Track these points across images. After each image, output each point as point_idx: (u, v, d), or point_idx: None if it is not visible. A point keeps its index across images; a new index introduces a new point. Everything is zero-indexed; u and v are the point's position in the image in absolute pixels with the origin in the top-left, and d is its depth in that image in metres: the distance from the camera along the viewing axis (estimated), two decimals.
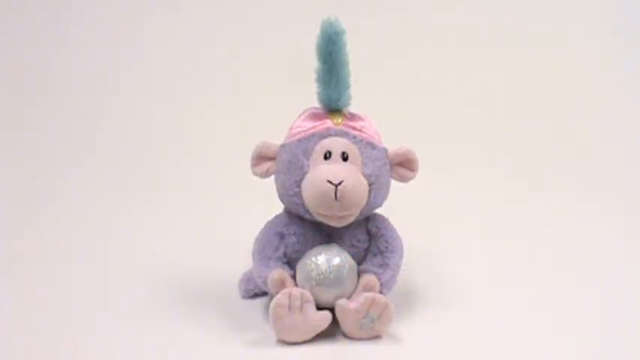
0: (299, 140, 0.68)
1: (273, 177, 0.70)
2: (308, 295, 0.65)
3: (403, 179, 0.70)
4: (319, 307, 0.66)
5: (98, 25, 1.29)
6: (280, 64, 1.21)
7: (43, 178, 1.14)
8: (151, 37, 1.29)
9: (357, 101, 0.70)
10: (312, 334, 0.65)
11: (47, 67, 1.27)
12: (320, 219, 0.67)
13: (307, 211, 0.67)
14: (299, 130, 0.69)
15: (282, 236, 0.70)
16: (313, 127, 0.68)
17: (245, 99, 1.23)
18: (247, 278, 0.77)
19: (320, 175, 0.65)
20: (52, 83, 1.26)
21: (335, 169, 0.65)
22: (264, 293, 0.74)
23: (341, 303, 0.65)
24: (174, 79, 1.26)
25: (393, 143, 0.70)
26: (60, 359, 0.64)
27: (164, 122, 1.23)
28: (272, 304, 0.64)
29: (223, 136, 1.19)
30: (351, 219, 0.67)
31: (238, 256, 0.80)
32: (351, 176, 0.65)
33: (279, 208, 0.72)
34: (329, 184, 0.64)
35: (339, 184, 0.64)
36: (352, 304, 0.65)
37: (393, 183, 0.70)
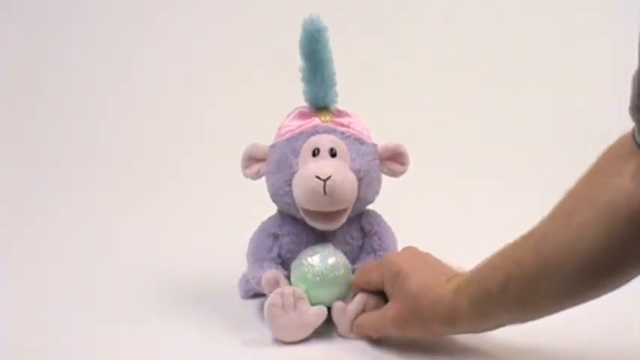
0: (287, 140, 0.68)
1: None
2: (300, 291, 0.65)
3: (394, 174, 0.70)
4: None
5: (98, 25, 1.29)
6: (278, 64, 1.21)
7: (43, 178, 1.15)
8: (149, 39, 1.29)
9: (347, 98, 0.70)
10: (309, 331, 0.65)
11: (47, 67, 1.27)
12: (312, 222, 0.67)
13: (299, 211, 0.67)
14: (287, 129, 0.69)
15: (275, 237, 0.70)
16: (301, 126, 0.68)
17: (243, 100, 1.23)
18: (247, 279, 0.77)
19: (308, 171, 0.65)
20: (52, 84, 1.26)
21: (323, 165, 0.65)
22: (264, 294, 0.74)
23: (337, 305, 0.65)
24: (173, 81, 1.27)
25: (384, 139, 0.70)
26: (59, 359, 0.64)
27: (163, 124, 1.23)
28: (266, 305, 0.64)
29: (223, 137, 1.19)
30: (343, 219, 0.67)
31: (238, 256, 0.80)
32: (340, 171, 0.65)
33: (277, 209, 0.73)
34: (317, 180, 0.64)
35: (327, 179, 0.64)
36: (348, 306, 0.65)
37: (387, 180, 0.70)
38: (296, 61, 0.67)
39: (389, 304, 0.62)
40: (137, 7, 1.29)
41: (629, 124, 0.52)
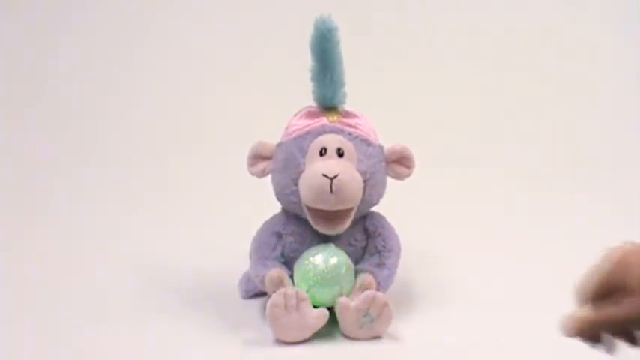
0: (295, 139, 0.68)
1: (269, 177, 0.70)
2: (303, 293, 0.65)
3: (399, 177, 0.70)
4: (317, 307, 0.66)
5: (98, 25, 1.29)
6: (279, 63, 1.21)
7: (43, 178, 1.14)
8: (150, 38, 1.29)
9: (354, 99, 0.70)
10: (310, 332, 0.65)
11: (48, 67, 1.27)
12: (316, 226, 0.67)
13: (303, 210, 0.67)
14: (295, 128, 0.69)
15: (279, 236, 0.70)
16: (308, 125, 0.68)
17: (244, 99, 1.23)
18: (248, 278, 0.77)
19: (316, 170, 0.65)
20: (52, 84, 1.26)
21: (330, 164, 0.65)
22: (264, 293, 0.74)
23: (342, 300, 0.65)
24: (174, 80, 1.26)
25: (391, 141, 0.70)
26: (60, 359, 0.64)
27: (164, 123, 1.23)
28: (268, 305, 0.64)
29: (223, 137, 1.19)
30: (347, 223, 0.67)
31: (238, 256, 0.80)
32: (347, 171, 0.65)
33: (279, 208, 0.73)
34: (324, 178, 0.64)
35: (335, 177, 0.64)
36: (353, 302, 0.65)
37: (391, 181, 0.70)
38: (300, 61, 0.67)
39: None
40: (137, 7, 1.29)
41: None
